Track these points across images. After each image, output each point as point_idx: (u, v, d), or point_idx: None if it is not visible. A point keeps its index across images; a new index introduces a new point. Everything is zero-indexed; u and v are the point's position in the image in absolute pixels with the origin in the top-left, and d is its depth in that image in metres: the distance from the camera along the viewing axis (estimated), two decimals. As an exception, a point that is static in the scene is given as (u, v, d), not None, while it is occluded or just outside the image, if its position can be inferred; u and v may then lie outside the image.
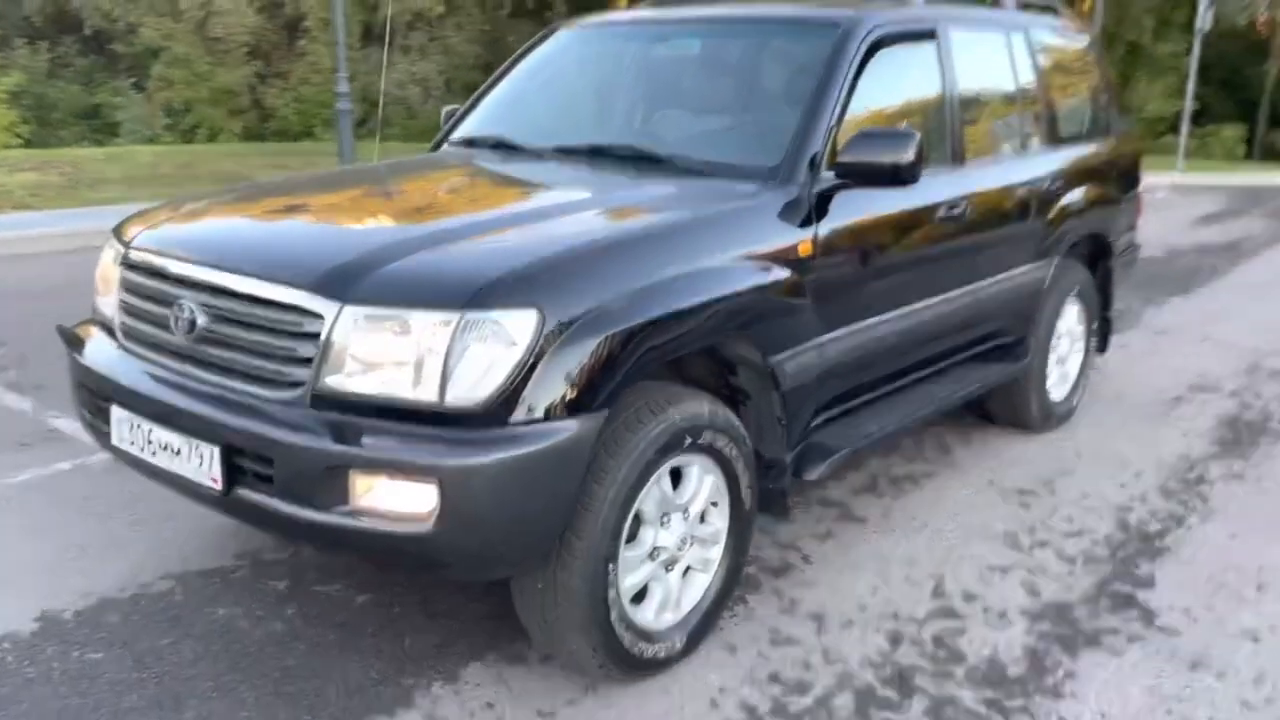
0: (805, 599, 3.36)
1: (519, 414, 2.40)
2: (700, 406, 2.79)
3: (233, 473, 2.56)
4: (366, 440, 2.38)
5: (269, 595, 3.33)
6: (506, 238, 2.71)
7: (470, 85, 26.66)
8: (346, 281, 2.48)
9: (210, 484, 2.59)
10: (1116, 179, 5.09)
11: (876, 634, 3.17)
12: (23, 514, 3.87)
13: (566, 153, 3.61)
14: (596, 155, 3.55)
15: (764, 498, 3.15)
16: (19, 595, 3.29)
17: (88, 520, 3.82)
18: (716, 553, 3.01)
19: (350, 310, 2.44)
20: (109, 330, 3.08)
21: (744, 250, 2.93)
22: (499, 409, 2.38)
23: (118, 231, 3.18)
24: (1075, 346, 5.02)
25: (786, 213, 3.10)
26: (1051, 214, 4.44)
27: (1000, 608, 3.33)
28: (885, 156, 3.14)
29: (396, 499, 2.38)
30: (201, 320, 2.66)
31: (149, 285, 2.87)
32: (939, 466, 4.48)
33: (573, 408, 2.45)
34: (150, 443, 2.73)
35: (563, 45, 4.25)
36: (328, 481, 2.40)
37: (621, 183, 3.27)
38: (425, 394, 2.38)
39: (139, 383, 2.78)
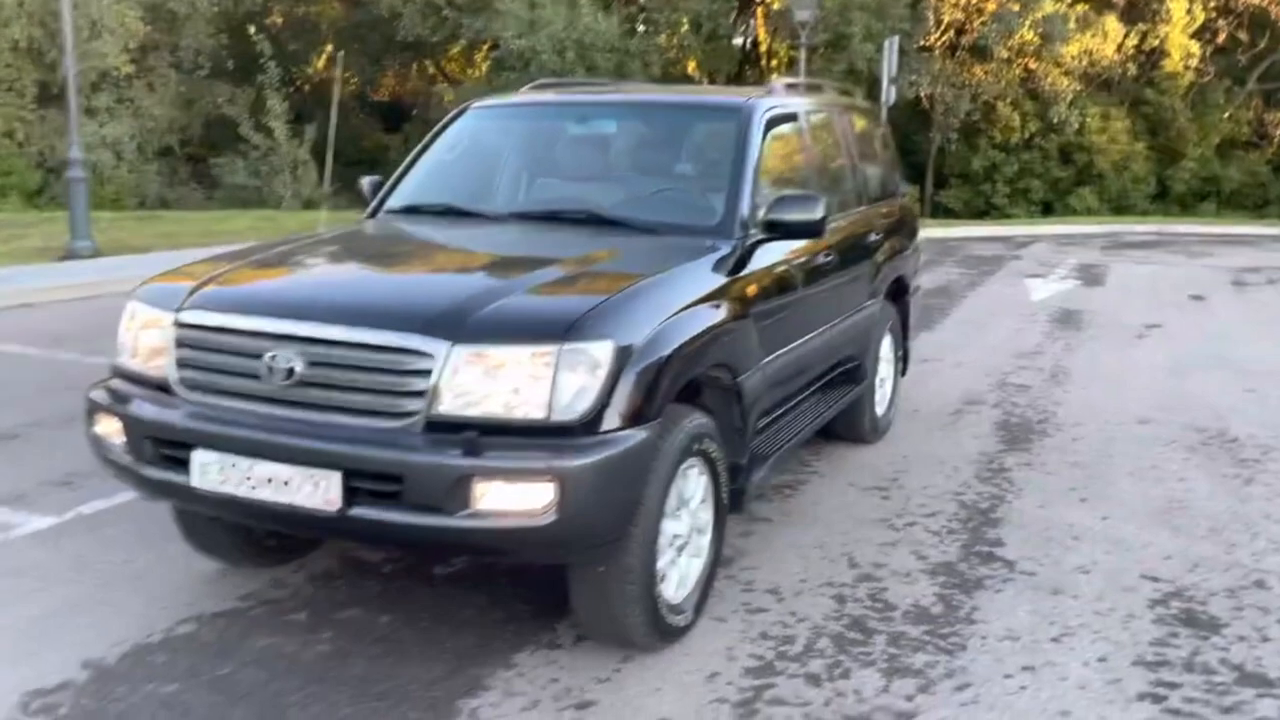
0: (756, 579, 4.19)
1: (605, 424, 3.09)
2: (701, 419, 3.58)
3: (349, 494, 3.07)
4: (489, 454, 2.98)
5: (296, 626, 3.74)
6: (564, 285, 3.40)
7: (165, 150, 25.81)
8: (451, 325, 3.09)
9: (325, 507, 3.08)
10: (908, 232, 6.39)
11: (824, 597, 4.05)
12: (-11, 583, 4.00)
13: (524, 217, 4.31)
14: (553, 219, 4.28)
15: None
16: (48, 649, 3.52)
17: (62, 582, 4.02)
18: (705, 541, 3.78)
19: (459, 349, 3.05)
20: (153, 385, 3.44)
21: (714, 291, 3.77)
22: (592, 421, 3.07)
23: (152, 298, 3.55)
24: (887, 371, 6.21)
25: (733, 262, 3.97)
26: (877, 260, 5.61)
27: (904, 570, 4.32)
28: (802, 215, 4.09)
29: (514, 499, 2.99)
30: (300, 367, 3.15)
31: (223, 341, 3.30)
32: (806, 475, 5.48)
33: (638, 419, 3.18)
34: (249, 478, 3.16)
35: (483, 122, 4.94)
36: (454, 491, 2.98)
37: (600, 242, 4.01)
38: (534, 413, 3.03)
39: (231, 427, 3.20)
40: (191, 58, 25.08)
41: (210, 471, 3.22)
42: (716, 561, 3.86)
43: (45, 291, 10.05)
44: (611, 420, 3.10)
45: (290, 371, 3.16)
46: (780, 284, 4.28)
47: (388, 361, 3.10)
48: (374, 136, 34.48)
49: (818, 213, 4.08)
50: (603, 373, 3.08)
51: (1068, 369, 8.22)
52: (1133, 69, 25.26)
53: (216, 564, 4.16)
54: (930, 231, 20.86)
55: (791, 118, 4.82)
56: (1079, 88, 24.51)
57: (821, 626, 3.81)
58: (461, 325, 3.09)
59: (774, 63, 28.95)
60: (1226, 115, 25.81)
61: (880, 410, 6.03)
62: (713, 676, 3.45)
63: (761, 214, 4.14)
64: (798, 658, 3.58)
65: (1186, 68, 25.01)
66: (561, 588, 3.88)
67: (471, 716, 3.18)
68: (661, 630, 3.50)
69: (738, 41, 29.31)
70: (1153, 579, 4.28)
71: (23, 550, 4.33)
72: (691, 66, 27.05)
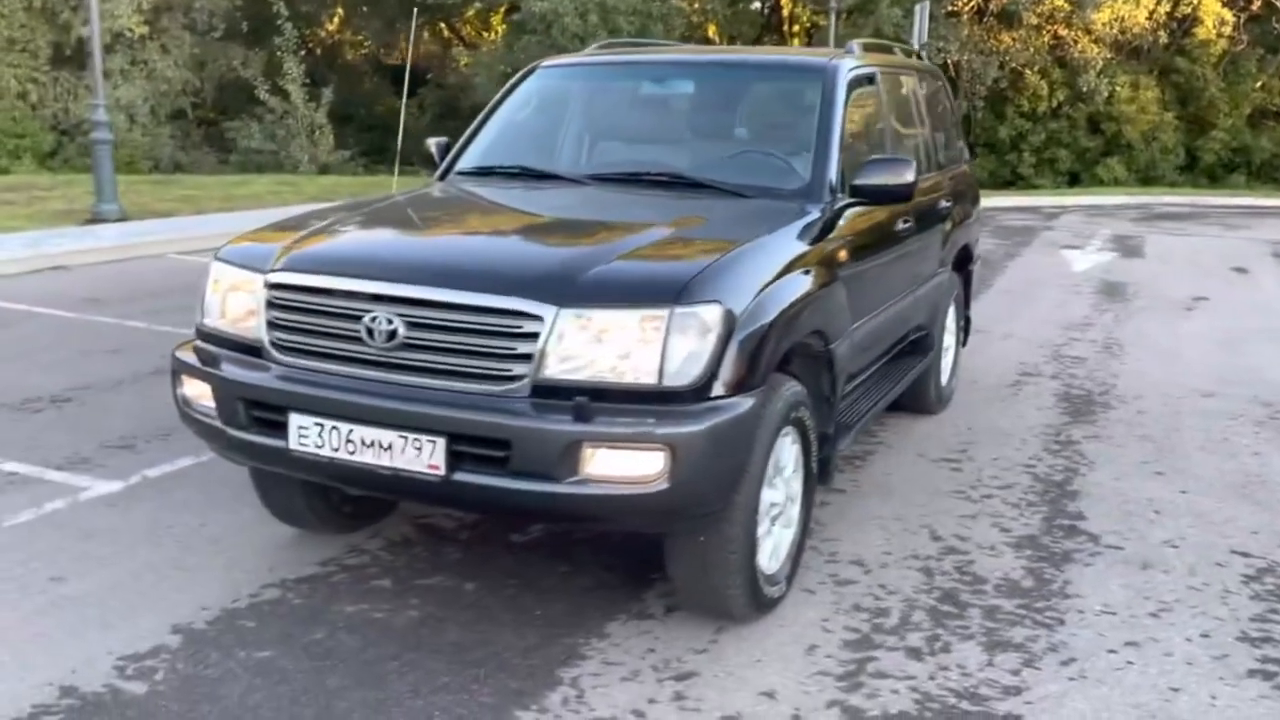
0: (839, 550, 4.16)
1: (714, 391, 3.04)
2: (796, 387, 3.53)
3: (453, 459, 3.03)
4: (600, 419, 2.94)
5: (382, 592, 3.71)
6: (666, 248, 3.34)
7: (179, 112, 25.68)
8: (559, 288, 3.03)
9: (429, 471, 3.04)
10: (972, 199, 6.31)
11: (911, 570, 4.01)
12: (56, 550, 3.97)
13: (603, 179, 4.24)
14: (633, 181, 4.21)
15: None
16: (135, 616, 3.50)
17: (132, 549, 4.00)
18: (796, 511, 3.74)
19: (567, 312, 3.00)
20: (241, 348, 3.40)
21: (809, 256, 3.70)
22: (702, 388, 3.02)
23: (240, 260, 3.50)
24: (950, 341, 6.15)
25: (823, 226, 3.91)
26: (947, 227, 5.53)
27: (988, 543, 4.28)
28: (893, 179, 4.02)
29: (625, 466, 2.95)
30: (401, 330, 3.10)
31: (319, 302, 3.25)
32: (873, 446, 5.43)
33: (745, 386, 3.13)
34: (350, 441, 3.12)
35: (552, 83, 4.86)
36: (564, 458, 2.94)
37: (687, 204, 3.94)
38: (645, 377, 2.98)
39: (329, 390, 3.16)
40: (205, 19, 24.89)
41: (308, 435, 3.18)
42: (805, 532, 3.82)
43: (76, 255, 10.00)
44: (720, 386, 3.05)
45: (392, 334, 3.11)
46: (866, 250, 4.22)
47: (494, 325, 3.05)
48: (387, 101, 34.32)
49: (908, 176, 4.01)
50: (713, 337, 3.03)
51: (1120, 341, 8.15)
52: (1164, 37, 24.98)
53: (291, 529, 4.13)
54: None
55: (870, 79, 4.73)
56: (1109, 55, 24.26)
57: (913, 599, 3.77)
58: (569, 288, 3.04)
59: (795, 28, 28.72)
60: (1259, 85, 25.52)
61: (944, 380, 5.98)
62: (811, 649, 3.42)
63: (850, 178, 4.06)
64: (894, 630, 3.54)
65: (1219, 35, 24.70)
66: (643, 555, 3.90)
67: (573, 686, 3.16)
68: (759, 601, 3.47)
69: (756, 5, 29.08)
70: (1243, 554, 4.23)
71: (94, 514, 4.31)
72: (711, 30, 26.84)
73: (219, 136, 26.65)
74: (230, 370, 3.37)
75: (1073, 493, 4.87)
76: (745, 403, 3.10)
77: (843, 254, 3.94)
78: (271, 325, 3.34)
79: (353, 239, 3.64)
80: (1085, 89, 24.15)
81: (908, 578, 3.94)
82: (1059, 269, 11.83)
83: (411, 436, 3.05)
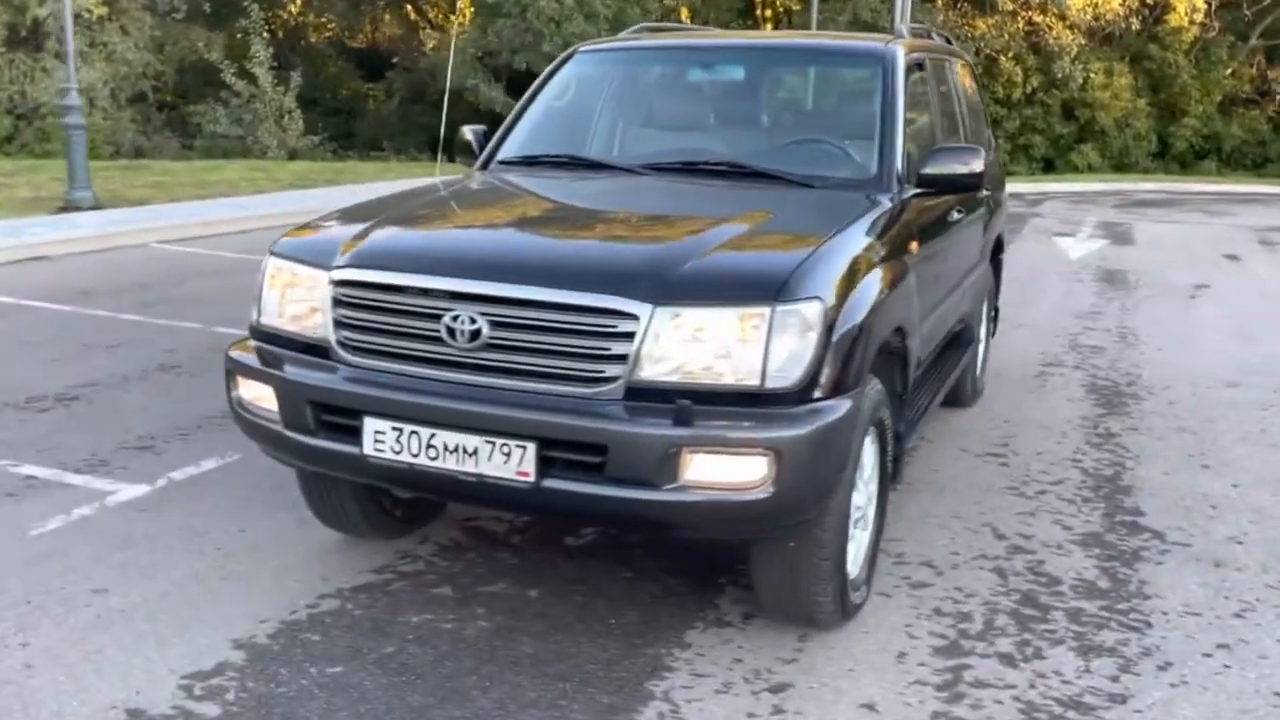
0: (906, 552, 4.06)
1: (816, 392, 2.93)
2: (878, 385, 3.42)
3: (543, 465, 2.89)
4: (700, 423, 2.81)
5: (445, 601, 3.57)
6: (753, 242, 3.21)
7: (139, 96, 25.10)
8: (654, 285, 2.90)
9: (518, 478, 2.90)
10: (1002, 187, 6.23)
11: (983, 571, 3.93)
12: (94, 560, 3.80)
13: (659, 168, 4.09)
14: (691, 171, 4.07)
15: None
16: (190, 630, 3.33)
17: (172, 558, 3.83)
18: (872, 512, 3.64)
19: (663, 310, 2.86)
20: (302, 348, 3.24)
21: (890, 249, 3.59)
22: (805, 389, 2.90)
23: (300, 255, 3.33)
24: (981, 332, 6.08)
25: (894, 217, 3.80)
26: (989, 217, 5.45)
27: (1053, 541, 4.21)
28: (962, 168, 3.92)
29: (727, 472, 2.83)
30: (486, 330, 2.95)
31: (393, 301, 3.09)
32: (914, 441, 5.34)
33: (843, 386, 3.01)
34: (431, 447, 2.97)
35: (593, 68, 4.71)
36: (664, 464, 2.81)
37: (758, 195, 3.81)
38: (746, 379, 2.86)
39: (408, 394, 3.01)
40: (166, 0, 24.33)
41: (385, 440, 3.03)
42: (879, 536, 3.72)
43: (57, 244, 9.70)
44: (821, 388, 2.94)
45: (475, 334, 2.97)
46: (931, 241, 4.12)
47: (587, 324, 2.91)
48: (353, 84, 33.85)
49: (978, 165, 3.91)
50: (814, 336, 2.91)
51: (1134, 330, 8.14)
52: (1136, 23, 25.16)
53: (336, 535, 3.98)
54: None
55: (920, 65, 4.63)
56: (1083, 42, 24.39)
57: (993, 602, 3.69)
58: (665, 286, 2.90)
59: (768, 12, 28.62)
60: (1230, 72, 25.79)
61: (978, 372, 5.92)
62: (901, 656, 3.32)
63: (916, 166, 3.95)
64: (982, 636, 3.46)
65: (1191, 22, 24.94)
66: (707, 560, 3.80)
67: (665, 700, 3.04)
68: (845, 608, 3.36)
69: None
70: (1235, 541, 4.20)
71: (126, 520, 4.12)
72: (685, 14, 26.66)
73: (180, 121, 26.12)
74: (295, 372, 3.21)
75: (1126, 488, 4.81)
76: (844, 404, 2.99)
77: (913, 245, 3.83)
78: (339, 324, 3.18)
79: (423, 233, 3.48)
80: (1060, 75, 24.30)
81: (981, 579, 3.86)
82: (1055, 257, 11.85)
83: (500, 441, 2.91)
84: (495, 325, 2.96)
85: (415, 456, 3.00)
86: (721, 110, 4.48)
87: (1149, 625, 3.56)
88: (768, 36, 4.68)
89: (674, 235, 3.30)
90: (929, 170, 3.91)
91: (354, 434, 3.09)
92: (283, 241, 3.46)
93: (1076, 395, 6.30)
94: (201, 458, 4.80)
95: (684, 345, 2.87)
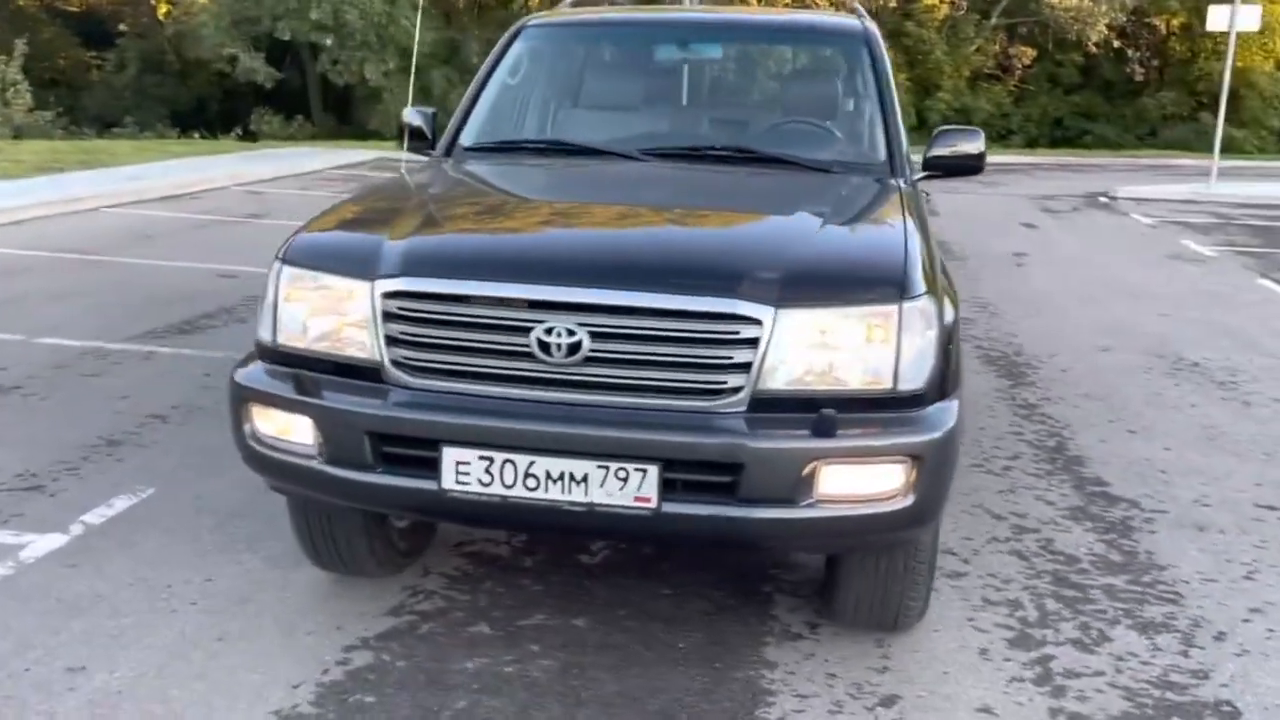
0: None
1: (936, 392, 2.82)
2: None
3: (664, 488, 2.65)
4: (841, 432, 2.65)
5: (490, 641, 3.26)
6: (848, 236, 3.06)
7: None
8: (773, 286, 2.70)
9: (636, 505, 2.64)
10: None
11: (1003, 555, 3.97)
12: (45, 631, 3.24)
13: (663, 154, 3.86)
14: (695, 157, 3.86)
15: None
16: (219, 710, 2.88)
17: (145, 622, 3.33)
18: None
19: (786, 313, 2.67)
20: (332, 368, 2.84)
21: (928, 236, 3.52)
22: (930, 389, 2.79)
23: (327, 261, 2.92)
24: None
25: (916, 201, 3.74)
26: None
27: (1046, 518, 4.31)
28: (969, 148, 3.91)
29: (865, 483, 2.69)
30: (588, 342, 2.67)
31: (469, 314, 2.75)
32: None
33: (953, 384, 2.92)
34: (531, 476, 2.67)
35: (551, 45, 4.40)
36: (803, 478, 2.64)
37: (797, 182, 3.65)
38: (878, 382, 2.72)
39: (497, 417, 2.69)
40: None
41: (470, 472, 2.69)
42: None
43: None
44: (939, 388, 2.83)
45: (574, 347, 2.68)
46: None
47: (706, 331, 2.68)
48: (73, 53, 31.09)
49: (981, 146, 3.92)
50: (932, 335, 2.80)
51: (989, 301, 8.54)
52: (894, 1, 26.53)
53: (323, 575, 3.57)
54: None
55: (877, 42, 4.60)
56: (847, 18, 25.49)
57: (1031, 586, 3.73)
58: (785, 287, 2.70)
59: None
60: (975, 48, 27.65)
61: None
62: (984, 653, 3.29)
63: (923, 150, 3.92)
64: (1043, 623, 3.47)
65: (942, 1, 26.54)
66: (735, 569, 3.69)
67: (786, 728, 2.88)
68: (924, 610, 3.30)
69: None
70: (1268, 507, 4.48)
71: (59, 579, 3.53)
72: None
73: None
74: (343, 399, 2.80)
75: (1077, 458, 5.00)
76: (955, 403, 2.90)
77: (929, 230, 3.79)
78: (393, 342, 2.80)
79: (485, 234, 3.13)
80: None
81: (1006, 563, 3.89)
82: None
83: (615, 466, 2.64)
84: (597, 337, 2.68)
85: (510, 488, 2.69)
86: (705, 92, 4.30)
87: (1181, 596, 3.69)
88: (728, 11, 4.51)
89: (763, 231, 3.10)
90: (937, 153, 3.88)
91: (427, 466, 2.74)
92: (297, 247, 3.01)
93: (977, 368, 6.52)
94: (109, 496, 4.20)
95: (810, 350, 2.70)
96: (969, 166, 3.93)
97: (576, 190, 3.63)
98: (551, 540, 3.88)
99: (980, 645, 3.33)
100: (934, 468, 2.73)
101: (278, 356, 2.95)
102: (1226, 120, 18.98)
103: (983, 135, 3.94)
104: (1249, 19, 16.52)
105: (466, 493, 2.71)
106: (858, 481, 2.69)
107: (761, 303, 2.67)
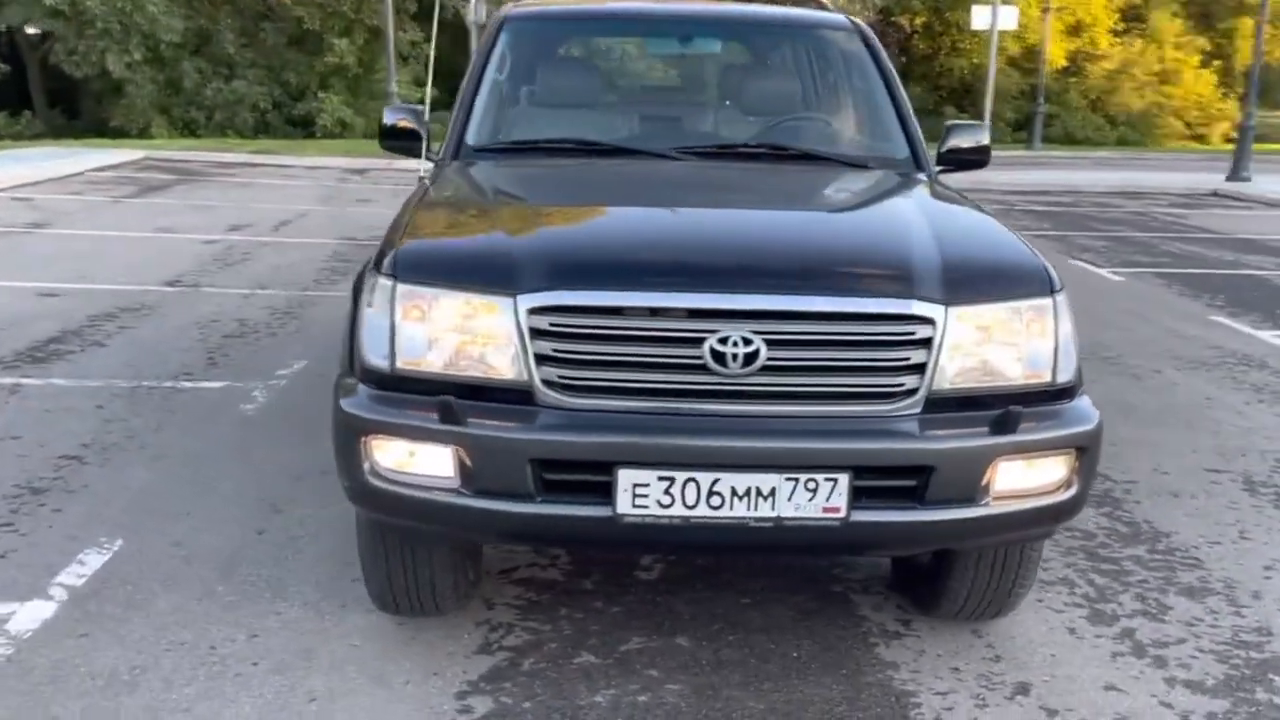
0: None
1: (1080, 382, 2.90)
2: None
3: (853, 497, 2.60)
4: (1022, 426, 2.68)
5: (604, 671, 3.10)
6: (956, 229, 3.09)
7: None
8: (938, 285, 2.70)
9: (825, 516, 2.59)
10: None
11: (1026, 534, 4.13)
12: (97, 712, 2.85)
13: (697, 153, 3.77)
14: (730, 155, 3.81)
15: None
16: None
17: (215, 690, 2.98)
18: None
19: (954, 310, 2.68)
20: (469, 392, 2.63)
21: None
22: (1079, 380, 2.87)
23: (453, 275, 2.69)
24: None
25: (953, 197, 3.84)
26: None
27: (1041, 496, 4.52)
28: (974, 143, 4.04)
29: (1034, 476, 2.74)
30: (765, 351, 2.58)
31: (634, 327, 2.60)
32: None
33: (1082, 374, 2.99)
34: (715, 494, 2.56)
35: (545, 40, 4.22)
36: (984, 477, 2.66)
37: (846, 179, 3.65)
38: (1039, 375, 2.77)
39: (674, 435, 2.56)
40: None
41: (648, 494, 2.56)
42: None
43: None
44: (1080, 378, 2.91)
45: (752, 357, 2.58)
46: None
47: (882, 333, 2.65)
48: None
49: (987, 138, 4.05)
50: (1072, 326, 2.88)
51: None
52: None
53: (383, 620, 3.30)
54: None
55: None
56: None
57: (1072, 562, 3.90)
58: (951, 284, 2.71)
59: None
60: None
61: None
62: (1072, 631, 3.42)
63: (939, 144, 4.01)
64: (1104, 598, 3.64)
65: None
66: (797, 570, 3.68)
67: (945, 727, 2.89)
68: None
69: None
70: (1217, 470, 4.88)
71: (75, 651, 3.10)
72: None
73: None
74: (497, 426, 2.59)
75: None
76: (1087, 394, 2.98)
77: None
78: (545, 360, 2.61)
79: (625, 239, 2.95)
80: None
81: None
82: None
83: (804, 477, 2.57)
84: (773, 344, 2.60)
85: (692, 508, 2.57)
86: (717, 86, 4.22)
87: (1200, 560, 3.96)
88: (719, 2, 4.46)
89: (885, 229, 3.07)
90: (953, 146, 3.97)
91: (598, 492, 2.58)
92: (410, 262, 2.74)
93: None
94: (72, 552, 3.73)
95: (977, 346, 2.72)
96: (978, 160, 4.05)
97: (655, 193, 3.49)
98: (604, 560, 3.73)
99: (1066, 625, 3.46)
100: (1092, 459, 2.81)
101: (395, 383, 2.69)
102: (965, 113, 20.45)
103: (987, 127, 4.07)
104: (1008, 19, 17.92)
105: (644, 516, 2.57)
106: (1029, 476, 2.73)
107: (933, 301, 2.67)
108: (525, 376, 2.61)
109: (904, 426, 2.64)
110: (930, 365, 2.66)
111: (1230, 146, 29.68)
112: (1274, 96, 32.37)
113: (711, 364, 2.58)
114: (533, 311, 2.60)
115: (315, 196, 14.46)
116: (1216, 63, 32.36)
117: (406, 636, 3.25)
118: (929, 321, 2.65)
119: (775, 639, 3.30)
